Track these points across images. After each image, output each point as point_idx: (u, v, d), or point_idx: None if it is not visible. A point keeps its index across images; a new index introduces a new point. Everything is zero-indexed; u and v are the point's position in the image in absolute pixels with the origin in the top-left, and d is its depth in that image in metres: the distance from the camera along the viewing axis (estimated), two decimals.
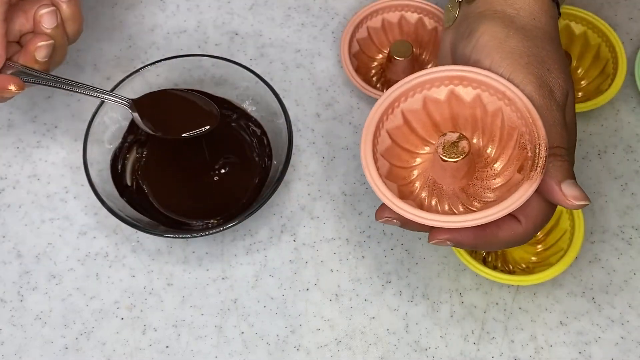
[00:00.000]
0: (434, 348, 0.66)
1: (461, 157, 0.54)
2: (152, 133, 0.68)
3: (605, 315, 0.67)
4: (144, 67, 0.71)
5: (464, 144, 0.54)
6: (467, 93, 0.56)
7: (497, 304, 0.67)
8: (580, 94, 0.75)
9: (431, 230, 0.55)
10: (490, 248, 0.55)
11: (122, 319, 0.67)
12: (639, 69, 0.73)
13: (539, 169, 0.52)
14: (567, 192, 0.52)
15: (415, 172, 0.58)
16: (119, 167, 0.71)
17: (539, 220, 0.54)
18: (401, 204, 0.53)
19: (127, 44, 0.79)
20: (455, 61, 0.58)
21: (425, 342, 0.66)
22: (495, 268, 0.68)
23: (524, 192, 0.51)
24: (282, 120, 0.69)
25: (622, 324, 0.66)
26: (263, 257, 0.69)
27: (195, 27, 0.79)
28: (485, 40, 0.56)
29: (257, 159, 0.72)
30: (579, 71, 0.76)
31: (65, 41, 0.66)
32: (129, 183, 0.71)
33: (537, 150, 0.52)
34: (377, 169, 0.54)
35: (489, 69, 0.55)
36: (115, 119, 0.71)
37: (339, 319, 0.67)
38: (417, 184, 0.57)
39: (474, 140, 0.57)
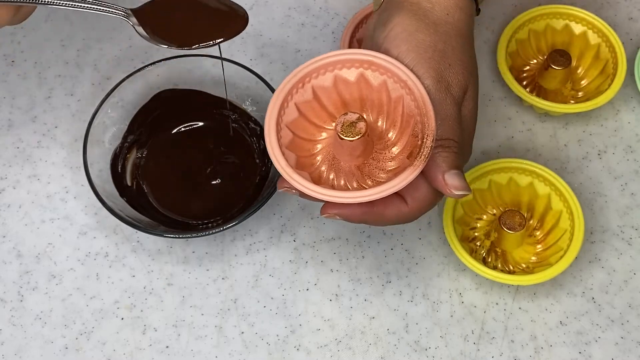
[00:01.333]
0: (434, 348, 0.66)
1: (357, 137, 0.57)
2: (165, 46, 0.57)
3: (605, 315, 0.67)
4: (144, 67, 0.71)
5: (361, 124, 0.57)
6: (375, 77, 0.59)
7: (497, 304, 0.67)
8: (580, 94, 0.75)
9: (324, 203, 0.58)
10: (377, 224, 0.59)
11: (122, 319, 0.67)
12: (639, 69, 0.73)
13: (422, 157, 0.55)
14: (449, 181, 0.56)
15: (319, 146, 0.61)
16: (119, 167, 0.71)
17: (424, 204, 0.58)
18: (294, 175, 0.56)
19: (127, 44, 0.79)
20: (372, 45, 0.61)
21: (425, 342, 0.66)
22: (495, 268, 0.68)
23: (406, 177, 0.55)
24: None
25: (622, 324, 0.66)
26: (263, 257, 0.69)
27: None
28: (396, 31, 0.59)
29: (257, 159, 0.72)
30: (579, 71, 0.76)
31: None
32: (129, 183, 0.71)
33: (425, 140, 0.55)
34: (279, 138, 0.57)
35: (396, 59, 0.58)
36: (115, 119, 0.71)
37: (339, 319, 0.67)
38: (319, 157, 0.60)
39: (379, 123, 0.60)
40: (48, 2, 0.56)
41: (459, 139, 0.57)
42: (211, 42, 0.58)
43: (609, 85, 0.73)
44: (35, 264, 0.69)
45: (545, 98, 0.73)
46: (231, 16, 0.58)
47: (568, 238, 0.67)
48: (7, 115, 0.75)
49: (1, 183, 0.73)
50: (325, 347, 0.66)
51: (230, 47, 0.78)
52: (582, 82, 0.76)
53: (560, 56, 0.73)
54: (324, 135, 0.61)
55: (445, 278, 0.68)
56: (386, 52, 0.59)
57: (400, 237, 0.70)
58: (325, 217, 0.58)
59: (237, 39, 0.78)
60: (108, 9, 0.57)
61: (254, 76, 0.70)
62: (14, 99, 0.76)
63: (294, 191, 0.58)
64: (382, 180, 0.58)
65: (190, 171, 0.72)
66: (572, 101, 0.75)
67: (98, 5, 0.57)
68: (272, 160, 0.57)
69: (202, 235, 0.66)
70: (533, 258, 0.68)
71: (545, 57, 0.74)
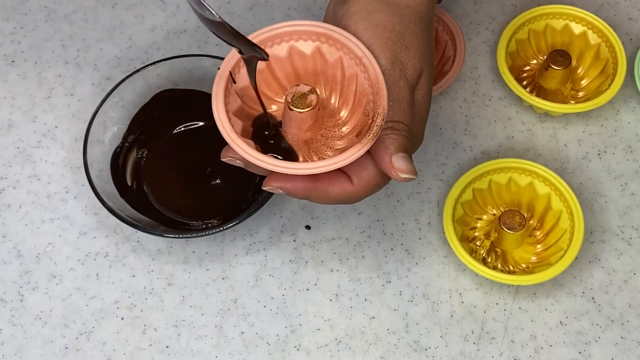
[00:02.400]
0: (434, 348, 0.66)
1: (307, 109, 0.56)
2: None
3: (605, 315, 0.67)
4: (144, 67, 0.71)
5: (312, 97, 0.56)
6: (331, 53, 0.58)
7: (497, 304, 0.67)
8: (580, 94, 0.75)
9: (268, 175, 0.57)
10: (320, 201, 0.58)
11: (122, 319, 0.67)
12: (639, 69, 0.73)
13: (371, 135, 0.54)
14: (395, 164, 0.55)
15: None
16: (119, 167, 0.71)
17: (370, 185, 0.57)
18: (239, 141, 0.55)
19: (127, 44, 0.79)
20: (331, 22, 0.60)
21: (425, 342, 0.66)
22: (495, 268, 0.68)
23: (353, 154, 0.54)
24: None
25: (622, 324, 0.66)
26: (263, 257, 0.69)
27: (196, 27, 0.79)
28: (355, 8, 0.58)
29: None
30: (579, 71, 0.76)
31: None
32: (129, 183, 0.71)
33: (375, 119, 0.55)
34: (227, 103, 0.56)
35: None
36: (115, 119, 0.71)
37: (339, 319, 0.67)
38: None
39: (332, 101, 0.59)
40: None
41: (410, 123, 0.57)
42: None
43: (609, 85, 0.73)
44: (35, 264, 0.69)
45: (545, 98, 0.73)
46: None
47: (568, 238, 0.67)
48: (7, 115, 0.75)
49: (1, 183, 0.73)
50: (325, 347, 0.66)
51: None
52: (582, 82, 0.76)
53: (560, 56, 0.73)
54: (274, 107, 0.60)
55: (445, 278, 0.68)
56: (345, 29, 0.58)
57: (400, 237, 0.70)
58: (268, 189, 0.57)
59: None
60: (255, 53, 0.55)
61: None
62: (14, 99, 0.76)
63: (238, 161, 0.57)
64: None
65: (190, 171, 0.72)
66: (572, 101, 0.75)
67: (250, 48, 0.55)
68: (217, 125, 0.55)
69: (202, 235, 0.66)
70: (533, 258, 0.68)
71: (545, 57, 0.74)
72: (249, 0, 0.80)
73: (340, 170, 0.56)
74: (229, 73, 0.57)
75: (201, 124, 0.74)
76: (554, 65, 0.73)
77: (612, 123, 0.74)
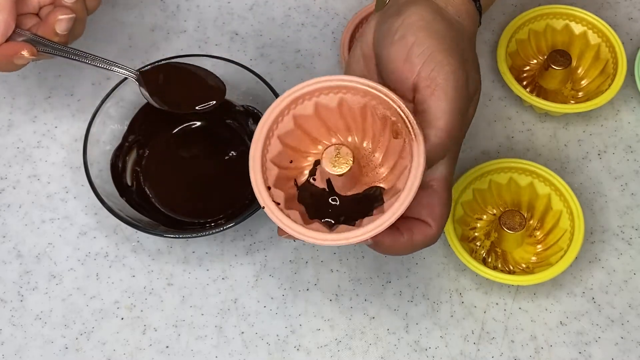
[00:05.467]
0: (434, 348, 0.66)
1: (347, 168, 0.55)
2: (160, 107, 0.68)
3: (605, 315, 0.67)
4: (144, 67, 0.71)
5: (345, 151, 0.55)
6: (356, 102, 0.57)
7: (497, 304, 0.67)
8: (580, 94, 0.75)
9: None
10: (407, 253, 0.58)
11: (122, 319, 0.67)
12: (639, 69, 0.73)
13: (413, 125, 0.53)
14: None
15: (307, 172, 0.59)
16: (119, 167, 0.71)
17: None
18: (285, 219, 0.54)
19: (127, 44, 0.79)
20: (377, 38, 0.59)
21: (425, 342, 0.66)
22: (495, 268, 0.68)
23: (417, 158, 0.53)
24: None
25: (622, 324, 0.66)
26: (263, 257, 0.69)
27: (195, 27, 0.79)
28: (413, 19, 0.58)
29: None
30: (579, 71, 0.76)
31: (85, 14, 0.68)
32: (129, 183, 0.71)
33: (399, 112, 0.54)
34: (265, 179, 0.55)
35: (413, 45, 0.56)
36: (115, 119, 0.71)
37: (339, 319, 0.67)
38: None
39: (364, 144, 0.58)
40: (79, 59, 0.68)
41: (457, 136, 0.57)
42: (195, 108, 0.69)
43: (609, 85, 0.73)
44: (35, 264, 0.69)
45: (545, 98, 0.73)
46: (213, 89, 0.70)
47: (568, 238, 0.67)
48: (7, 115, 0.75)
49: (1, 183, 0.73)
50: (325, 347, 0.66)
51: (230, 47, 0.78)
52: (582, 82, 0.76)
53: (560, 56, 0.73)
54: (310, 159, 0.59)
55: (445, 278, 0.68)
56: (402, 39, 0.57)
57: None
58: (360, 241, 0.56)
59: (237, 39, 0.79)
60: (125, 71, 0.68)
61: (254, 76, 0.70)
62: (14, 99, 0.76)
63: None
64: (385, 187, 0.57)
65: (190, 171, 0.72)
66: (572, 101, 0.75)
67: (117, 67, 0.68)
68: (275, 222, 0.54)
69: (202, 235, 0.66)
70: (533, 258, 0.68)
71: (545, 57, 0.74)
72: (249, 0, 0.80)
73: (414, 219, 0.56)
74: (261, 148, 0.56)
75: (201, 124, 0.74)
76: (554, 65, 0.73)
77: (612, 123, 0.74)
